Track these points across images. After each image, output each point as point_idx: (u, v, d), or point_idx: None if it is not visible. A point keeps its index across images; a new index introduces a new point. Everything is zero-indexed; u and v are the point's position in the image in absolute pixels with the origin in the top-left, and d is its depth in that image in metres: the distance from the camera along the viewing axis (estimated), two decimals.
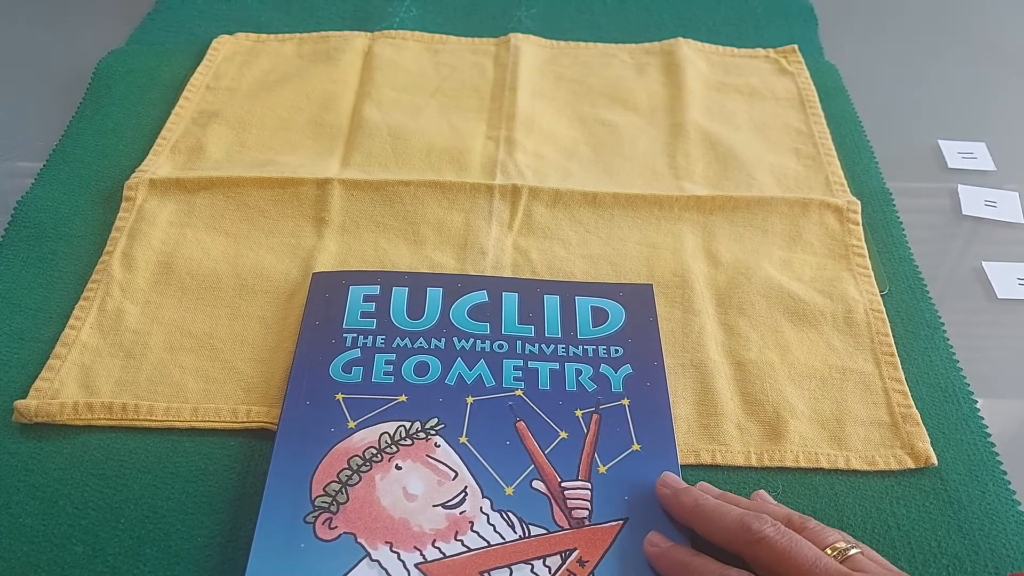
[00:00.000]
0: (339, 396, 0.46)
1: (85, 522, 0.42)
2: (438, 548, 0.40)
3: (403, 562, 0.40)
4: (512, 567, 0.40)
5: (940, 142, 0.69)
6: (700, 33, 0.78)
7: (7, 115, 0.70)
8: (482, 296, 0.53)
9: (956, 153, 0.68)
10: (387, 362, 0.48)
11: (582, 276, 0.56)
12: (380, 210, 0.60)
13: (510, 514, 0.42)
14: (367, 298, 0.52)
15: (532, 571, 0.40)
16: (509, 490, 0.43)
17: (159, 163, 0.63)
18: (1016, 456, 0.47)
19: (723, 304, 0.54)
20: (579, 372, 0.48)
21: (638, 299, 0.53)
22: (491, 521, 0.41)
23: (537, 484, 0.43)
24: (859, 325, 0.53)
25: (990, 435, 0.48)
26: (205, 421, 0.47)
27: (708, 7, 0.82)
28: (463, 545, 0.40)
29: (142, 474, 0.45)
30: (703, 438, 0.47)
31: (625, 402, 0.47)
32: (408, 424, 0.45)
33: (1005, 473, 0.46)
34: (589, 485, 0.43)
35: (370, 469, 0.43)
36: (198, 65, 0.72)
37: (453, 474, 0.43)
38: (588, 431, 0.46)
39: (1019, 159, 0.68)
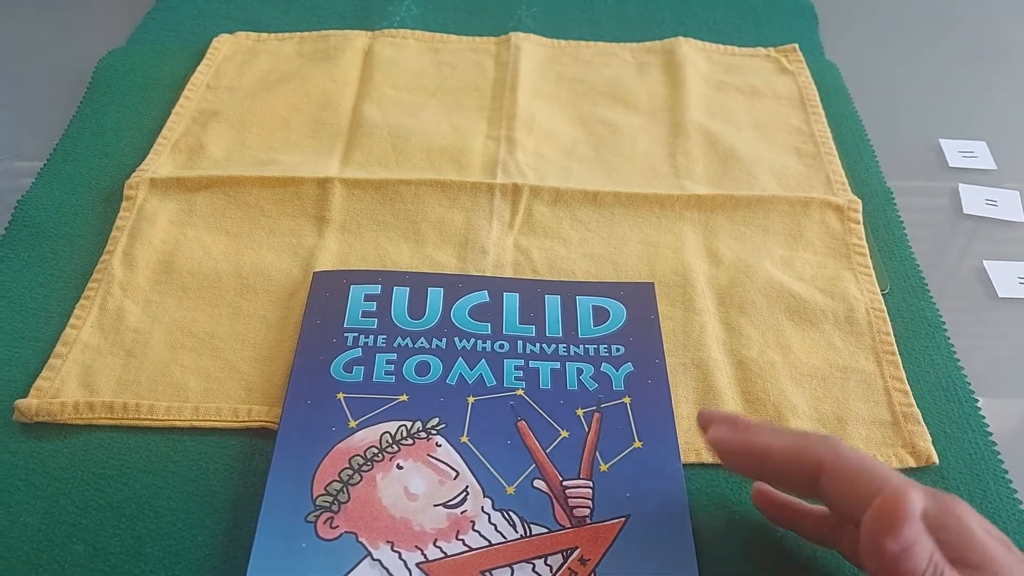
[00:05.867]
0: (340, 395, 0.46)
1: (86, 521, 0.42)
2: (439, 547, 0.40)
3: (404, 562, 0.40)
4: (513, 566, 0.40)
5: (941, 141, 0.69)
6: (700, 32, 0.78)
7: (7, 114, 0.70)
8: (483, 296, 0.53)
9: (957, 152, 0.68)
10: (388, 362, 0.48)
11: (583, 275, 0.56)
12: (381, 209, 0.60)
13: (511, 513, 0.42)
14: (368, 297, 0.52)
15: (534, 570, 0.40)
16: (510, 489, 0.43)
17: (160, 162, 0.63)
18: (1017, 455, 0.47)
19: (724, 303, 0.54)
20: (580, 371, 0.48)
21: (639, 298, 0.53)
22: (492, 520, 0.41)
23: (538, 483, 0.43)
24: (860, 324, 0.53)
25: (991, 434, 0.48)
26: (206, 420, 0.47)
27: (708, 6, 0.82)
28: (464, 544, 0.40)
29: (143, 473, 0.45)
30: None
31: (626, 400, 0.47)
32: (409, 423, 0.45)
33: (1007, 472, 0.46)
34: (590, 484, 0.43)
35: (371, 468, 0.43)
36: (198, 64, 0.72)
37: (454, 473, 0.43)
38: (589, 430, 0.46)
39: (1020, 158, 0.68)
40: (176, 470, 0.45)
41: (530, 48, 0.75)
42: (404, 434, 0.45)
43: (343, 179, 0.61)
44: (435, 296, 0.52)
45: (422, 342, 0.50)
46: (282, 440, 0.44)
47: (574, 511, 0.42)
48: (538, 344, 0.50)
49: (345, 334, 0.50)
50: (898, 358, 0.51)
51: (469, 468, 0.44)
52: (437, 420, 0.46)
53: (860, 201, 0.61)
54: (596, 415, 0.46)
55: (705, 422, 0.41)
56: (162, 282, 0.54)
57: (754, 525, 0.43)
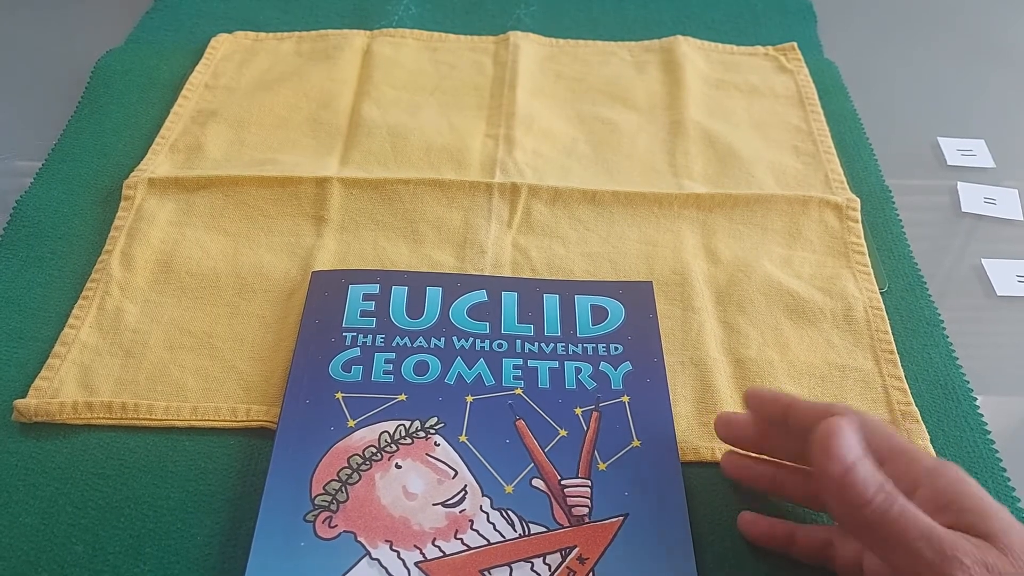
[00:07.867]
0: (339, 395, 0.47)
1: (85, 521, 0.42)
2: (438, 547, 0.40)
3: (403, 561, 0.40)
4: (512, 565, 0.40)
5: (939, 139, 0.69)
6: (699, 31, 0.78)
7: (6, 114, 0.70)
8: (481, 295, 0.53)
9: (955, 150, 0.68)
10: (387, 361, 0.48)
11: (581, 274, 0.56)
12: (379, 208, 0.60)
13: (510, 512, 0.42)
14: (367, 297, 0.52)
15: (532, 569, 0.40)
16: (509, 488, 0.43)
17: (158, 162, 0.63)
18: (1015, 453, 0.47)
19: (722, 302, 0.54)
20: (579, 370, 0.48)
21: (638, 297, 0.53)
22: (491, 519, 0.41)
23: (537, 482, 0.43)
24: (859, 323, 0.53)
25: (989, 432, 0.48)
26: (205, 420, 0.47)
27: (707, 4, 0.82)
28: (463, 544, 0.40)
29: (142, 473, 0.45)
30: (703, 435, 0.47)
31: (625, 399, 0.47)
32: (408, 423, 0.45)
33: (1005, 470, 0.46)
34: (589, 482, 0.43)
35: (370, 468, 0.43)
36: (197, 64, 0.72)
37: (453, 473, 0.43)
38: (588, 429, 0.46)
39: (1018, 156, 0.68)
40: (175, 470, 0.45)
41: (529, 47, 0.75)
42: (403, 433, 0.45)
43: (342, 179, 0.61)
44: (433, 295, 0.52)
45: (420, 341, 0.50)
46: (281, 440, 0.44)
47: (573, 510, 0.42)
48: (537, 343, 0.50)
49: (344, 333, 0.50)
50: (896, 356, 0.51)
51: (468, 467, 0.44)
52: (436, 419, 0.46)
53: (859, 200, 0.61)
54: (595, 414, 0.46)
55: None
56: (160, 282, 0.54)
57: None
